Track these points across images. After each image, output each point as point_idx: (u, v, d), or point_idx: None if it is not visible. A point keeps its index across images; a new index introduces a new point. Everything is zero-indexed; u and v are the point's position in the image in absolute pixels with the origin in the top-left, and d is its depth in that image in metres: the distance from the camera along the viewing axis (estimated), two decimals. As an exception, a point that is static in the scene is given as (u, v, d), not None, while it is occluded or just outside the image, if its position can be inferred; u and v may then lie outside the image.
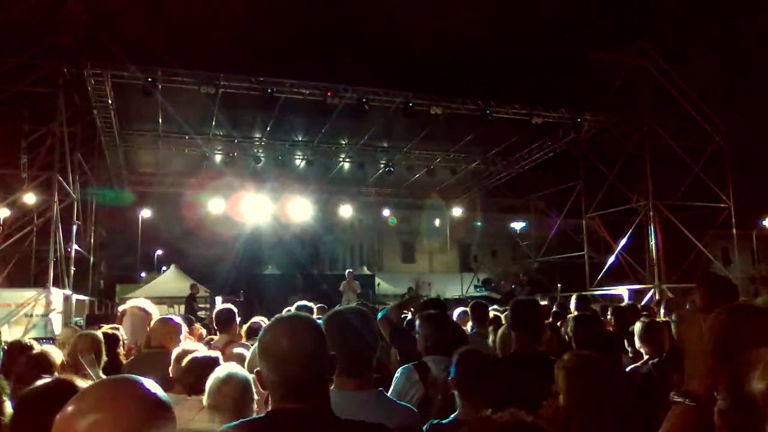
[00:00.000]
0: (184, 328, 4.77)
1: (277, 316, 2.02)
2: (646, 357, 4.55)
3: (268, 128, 18.54)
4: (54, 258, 14.62)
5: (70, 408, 1.20)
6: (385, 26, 14.47)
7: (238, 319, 5.84)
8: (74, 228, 17.48)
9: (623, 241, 19.50)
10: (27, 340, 4.36)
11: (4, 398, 2.03)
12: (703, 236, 18.75)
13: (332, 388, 2.35)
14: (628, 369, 4.47)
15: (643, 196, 18.61)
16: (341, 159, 21.65)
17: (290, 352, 1.83)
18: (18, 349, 4.04)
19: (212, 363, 3.38)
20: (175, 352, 3.81)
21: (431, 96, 16.40)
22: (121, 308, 5.56)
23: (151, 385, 1.28)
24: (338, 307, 2.66)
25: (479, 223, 28.75)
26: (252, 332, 5.49)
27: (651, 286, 17.98)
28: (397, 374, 3.73)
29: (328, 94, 15.62)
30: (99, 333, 4.67)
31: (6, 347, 4.36)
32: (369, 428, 1.89)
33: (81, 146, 18.11)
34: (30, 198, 16.65)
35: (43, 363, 3.45)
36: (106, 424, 1.16)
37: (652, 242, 18.45)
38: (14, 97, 14.26)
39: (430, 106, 16.33)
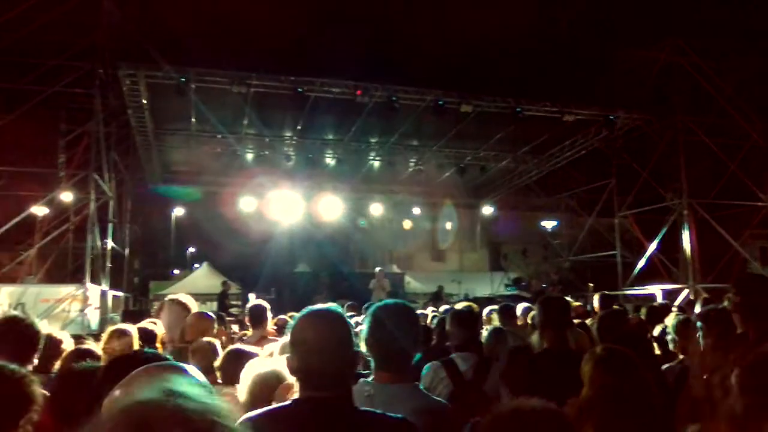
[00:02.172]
0: (216, 326, 4.85)
1: (309, 307, 2.07)
2: (680, 357, 4.49)
3: (299, 127, 18.67)
4: (91, 255, 14.93)
5: (117, 391, 1.26)
6: (414, 24, 14.44)
7: (270, 315, 5.94)
8: (110, 226, 17.83)
9: (657, 241, 19.20)
10: (56, 334, 4.44)
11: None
12: (740, 236, 18.36)
13: (370, 379, 2.41)
14: (663, 368, 4.43)
15: (677, 195, 18.29)
16: (371, 157, 21.70)
17: (316, 342, 1.90)
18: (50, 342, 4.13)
19: (252, 357, 3.46)
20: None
21: (461, 94, 16.31)
22: (158, 302, 5.64)
23: (194, 371, 1.33)
24: (383, 300, 2.69)
25: (510, 222, 28.55)
26: (280, 328, 5.57)
27: (685, 286, 17.68)
28: (424, 370, 3.77)
29: (358, 92, 15.67)
30: (132, 327, 4.76)
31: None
32: (388, 420, 1.92)
33: (116, 145, 18.46)
34: (67, 196, 17.02)
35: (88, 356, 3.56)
36: None
37: (687, 242, 18.13)
38: (52, 98, 14.58)
39: (460, 104, 16.24)
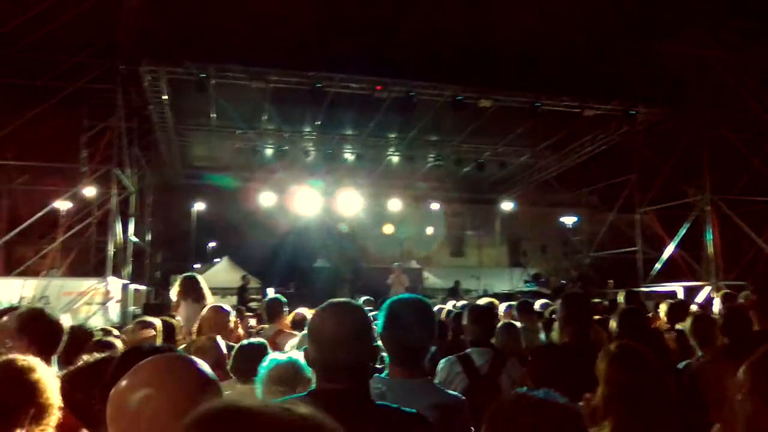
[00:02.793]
0: (233, 318, 4.90)
1: (329, 300, 2.09)
2: (698, 354, 4.46)
3: (318, 122, 18.72)
4: (112, 249, 15.11)
5: (124, 383, 1.28)
6: (433, 19, 14.38)
7: (286, 310, 5.99)
8: (131, 220, 18.03)
9: (678, 237, 18.97)
10: (90, 326, 4.54)
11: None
12: (764, 232, 18.07)
13: (385, 374, 2.42)
14: (680, 366, 4.40)
15: (699, 190, 18.06)
16: (390, 153, 21.70)
17: (334, 335, 1.93)
18: (81, 334, 4.24)
19: (262, 349, 3.49)
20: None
21: (480, 89, 16.24)
22: (173, 294, 5.69)
23: (201, 363, 1.35)
24: (400, 295, 2.71)
25: (529, 218, 28.40)
26: (297, 323, 5.60)
27: (707, 283, 17.46)
28: (440, 365, 3.79)
29: (377, 88, 15.67)
30: (155, 320, 4.83)
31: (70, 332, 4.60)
32: (402, 414, 1.93)
33: (138, 140, 18.65)
34: (90, 191, 17.25)
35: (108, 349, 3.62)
36: (156, 399, 1.23)
37: (709, 238, 17.90)
38: (74, 94, 14.74)
39: (479, 99, 16.20)
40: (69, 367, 2.65)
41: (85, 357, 2.62)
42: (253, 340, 3.88)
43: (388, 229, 25.67)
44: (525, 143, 20.98)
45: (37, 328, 3.33)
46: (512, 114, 17.28)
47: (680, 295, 16.74)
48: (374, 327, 2.05)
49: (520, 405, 1.63)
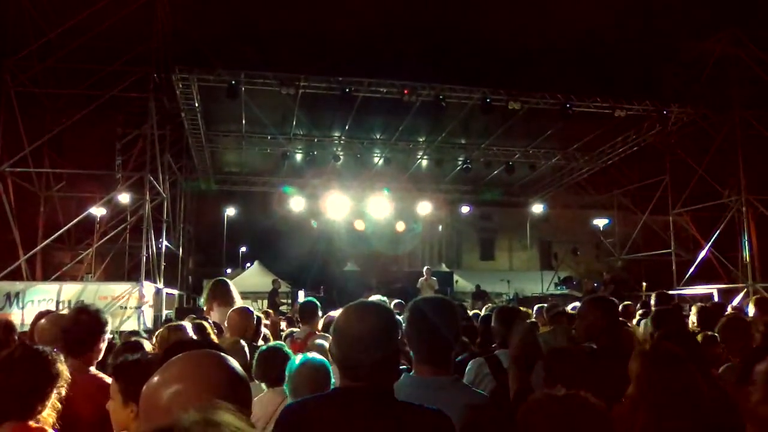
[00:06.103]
0: (258, 316, 5.00)
1: (356, 300, 2.14)
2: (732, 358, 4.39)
3: (347, 127, 18.81)
4: (146, 254, 15.36)
5: (155, 378, 1.31)
6: (461, 21, 14.37)
7: (320, 313, 6.07)
8: (164, 225, 18.31)
9: (713, 239, 18.62)
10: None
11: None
12: (802, 233, 17.66)
13: (411, 373, 2.45)
14: (720, 370, 4.34)
15: (734, 191, 17.69)
16: (419, 156, 21.69)
17: (354, 333, 1.95)
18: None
19: (280, 352, 3.55)
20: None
21: (509, 91, 16.13)
22: (203, 299, 5.79)
23: (231, 361, 1.38)
24: (424, 295, 2.76)
25: (560, 220, 28.14)
26: (328, 326, 5.65)
27: (743, 285, 17.10)
28: (468, 366, 3.79)
29: (405, 91, 15.69)
30: (186, 323, 4.91)
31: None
32: (424, 412, 1.94)
33: (170, 147, 18.95)
34: (124, 197, 17.58)
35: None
36: (186, 394, 1.24)
37: (745, 239, 17.53)
38: (109, 103, 15.04)
39: (508, 102, 16.09)
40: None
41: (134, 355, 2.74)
42: (270, 344, 3.94)
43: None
44: (555, 145, 20.79)
45: (77, 329, 3.44)
46: (542, 116, 17.14)
47: (716, 298, 16.44)
48: (399, 328, 2.07)
49: (549, 404, 1.64)
